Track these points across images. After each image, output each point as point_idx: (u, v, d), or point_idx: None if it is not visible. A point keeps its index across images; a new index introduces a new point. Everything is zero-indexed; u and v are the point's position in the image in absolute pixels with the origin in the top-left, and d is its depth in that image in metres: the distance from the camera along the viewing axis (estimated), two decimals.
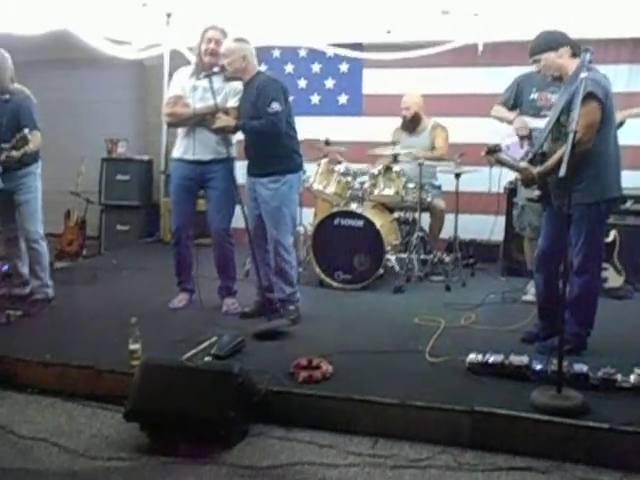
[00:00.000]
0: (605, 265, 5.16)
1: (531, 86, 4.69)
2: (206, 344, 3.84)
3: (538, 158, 3.73)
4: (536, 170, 3.64)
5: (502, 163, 3.80)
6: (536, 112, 4.65)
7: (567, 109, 3.50)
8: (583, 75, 3.19)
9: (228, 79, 4.43)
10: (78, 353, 3.71)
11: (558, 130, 3.62)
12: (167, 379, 3.10)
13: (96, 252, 7.32)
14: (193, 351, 3.74)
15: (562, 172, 2.89)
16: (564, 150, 3.08)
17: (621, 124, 4.66)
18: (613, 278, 5.19)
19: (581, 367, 3.30)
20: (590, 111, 3.47)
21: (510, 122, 4.76)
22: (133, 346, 3.56)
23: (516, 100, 4.78)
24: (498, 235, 5.94)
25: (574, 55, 3.64)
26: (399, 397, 3.15)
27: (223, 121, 4.32)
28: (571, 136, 2.97)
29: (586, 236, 3.64)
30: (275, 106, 4.17)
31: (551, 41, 3.69)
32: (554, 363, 3.18)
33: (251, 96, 4.28)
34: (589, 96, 3.43)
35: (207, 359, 3.61)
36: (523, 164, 3.71)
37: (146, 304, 4.75)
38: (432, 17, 5.69)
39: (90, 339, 4.01)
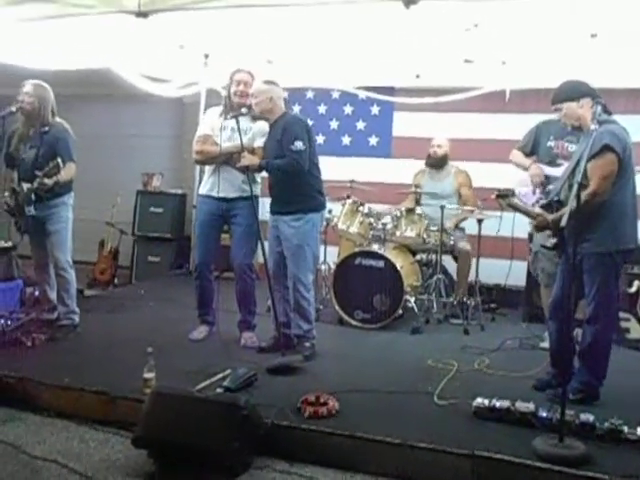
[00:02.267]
0: (627, 316, 5.14)
1: (549, 133, 4.73)
2: (219, 376, 3.92)
3: (554, 205, 3.78)
4: (551, 217, 3.68)
5: (514, 208, 3.85)
6: (552, 160, 4.69)
7: (581, 160, 3.55)
8: (593, 127, 3.25)
9: (255, 119, 4.59)
10: (96, 379, 3.83)
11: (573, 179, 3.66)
12: (176, 408, 3.19)
13: (127, 281, 7.52)
14: (206, 382, 3.83)
15: (563, 222, 2.94)
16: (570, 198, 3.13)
17: None
18: (635, 329, 5.14)
19: (587, 417, 3.28)
20: (607, 163, 3.52)
21: (526, 169, 4.80)
22: (147, 375, 3.66)
23: (534, 147, 4.83)
24: (521, 281, 5.95)
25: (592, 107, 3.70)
26: (402, 437, 3.17)
27: (248, 160, 4.46)
28: (575, 187, 3.02)
29: (599, 286, 3.66)
30: (299, 144, 4.30)
31: (573, 91, 3.76)
32: (560, 411, 3.18)
33: (276, 135, 4.42)
34: (606, 148, 3.49)
35: (218, 391, 3.69)
36: (538, 210, 3.76)
37: (167, 334, 4.88)
38: (459, 64, 5.79)
39: (109, 366, 4.14)
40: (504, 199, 3.75)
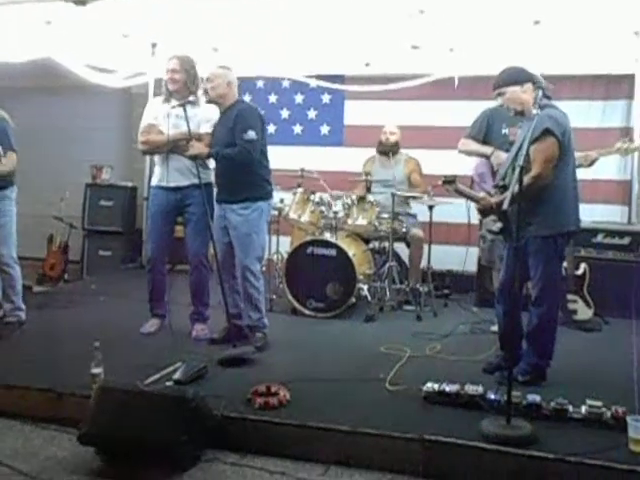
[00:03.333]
0: (575, 297, 5.24)
1: (501, 121, 4.74)
2: (170, 369, 3.87)
3: (500, 190, 3.81)
4: (494, 200, 3.72)
5: (460, 193, 3.87)
6: (509, 147, 4.71)
7: (523, 144, 3.58)
8: (535, 112, 3.28)
9: (209, 102, 4.51)
10: (42, 376, 3.75)
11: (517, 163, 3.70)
12: (122, 403, 3.14)
13: (78, 277, 7.38)
14: (156, 376, 3.78)
15: (505, 205, 2.97)
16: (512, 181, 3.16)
17: (593, 162, 4.75)
18: (582, 311, 5.24)
19: (534, 397, 3.34)
20: (548, 146, 3.57)
21: (485, 156, 4.80)
22: (95, 370, 3.59)
23: (486, 134, 4.83)
24: (473, 266, 6.01)
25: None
26: (353, 424, 3.18)
27: (196, 149, 4.40)
28: (517, 170, 3.05)
29: (543, 268, 3.71)
30: (251, 134, 4.26)
31: (517, 75, 3.79)
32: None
33: (228, 122, 4.36)
34: (546, 132, 3.54)
35: (168, 384, 3.65)
36: (481, 194, 3.80)
37: (118, 328, 4.80)
38: (408, 51, 5.81)
39: (56, 362, 4.04)
40: (450, 185, 3.77)
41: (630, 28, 5.13)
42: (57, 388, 3.58)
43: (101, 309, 5.62)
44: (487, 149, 4.79)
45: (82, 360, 3.75)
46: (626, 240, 5.67)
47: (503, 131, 4.76)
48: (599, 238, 5.65)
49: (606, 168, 6.35)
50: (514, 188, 3.07)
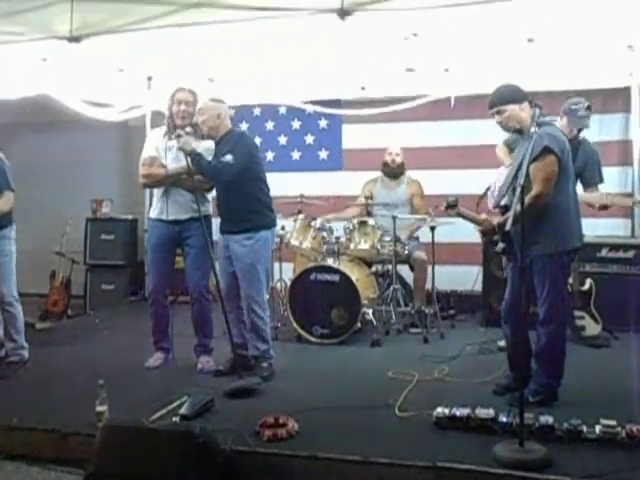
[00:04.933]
0: (582, 314, 5.19)
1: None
2: (176, 404, 3.82)
3: (500, 210, 3.79)
4: (496, 221, 3.69)
5: (462, 216, 3.86)
6: None
7: (523, 163, 3.56)
8: (533, 130, 3.27)
9: (202, 137, 4.51)
10: (46, 416, 3.69)
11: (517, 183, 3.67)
12: (128, 441, 3.08)
13: (81, 312, 7.35)
14: (162, 411, 3.73)
15: (508, 226, 2.94)
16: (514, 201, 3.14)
17: (603, 207, 4.81)
18: (590, 326, 5.19)
19: (547, 419, 3.29)
20: (547, 164, 3.56)
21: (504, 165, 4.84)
22: (100, 408, 3.54)
23: (516, 145, 4.87)
24: (478, 285, 5.97)
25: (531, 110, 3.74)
26: (363, 454, 3.12)
27: (182, 141, 4.30)
28: (518, 190, 3.03)
29: (549, 287, 3.67)
30: (228, 157, 4.24)
31: (515, 94, 3.78)
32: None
33: (221, 153, 4.35)
34: (546, 150, 3.53)
35: (175, 419, 3.59)
36: (484, 215, 3.77)
37: (122, 364, 4.76)
38: (402, 73, 5.82)
39: (61, 401, 4.00)
40: (453, 209, 3.76)
41: (623, 42, 5.12)
42: (62, 428, 3.53)
43: (105, 344, 5.58)
44: (506, 160, 4.85)
45: (87, 398, 3.69)
46: (630, 253, 5.65)
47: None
48: (603, 252, 5.62)
49: (607, 182, 6.31)
50: (516, 208, 3.04)
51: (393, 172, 6.12)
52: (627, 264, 5.62)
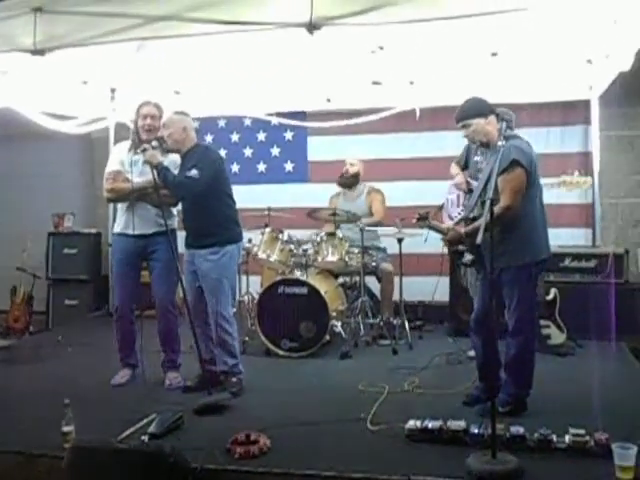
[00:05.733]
0: (547, 323, 5.26)
1: (477, 149, 4.81)
2: (144, 422, 3.74)
3: (469, 223, 3.83)
4: (462, 230, 3.73)
5: (433, 228, 3.89)
6: (476, 175, 4.78)
7: (491, 176, 3.61)
8: (500, 143, 3.32)
9: (167, 151, 4.46)
10: (10, 437, 3.58)
11: (485, 196, 3.71)
12: (97, 462, 3.01)
13: (43, 328, 7.20)
14: (130, 430, 3.64)
15: (479, 240, 2.97)
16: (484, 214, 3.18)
17: None
18: (555, 335, 5.26)
19: (517, 429, 3.31)
20: (515, 177, 3.60)
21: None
22: (66, 428, 3.44)
23: (466, 161, 4.93)
24: (445, 296, 6.01)
25: (498, 123, 3.79)
26: (338, 469, 3.09)
27: (149, 154, 4.25)
28: (488, 203, 3.06)
29: (519, 298, 3.72)
30: (193, 172, 4.21)
31: (481, 107, 3.83)
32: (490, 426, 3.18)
33: (188, 167, 4.30)
34: (514, 163, 3.58)
35: (144, 438, 3.52)
36: (447, 225, 3.82)
37: (87, 381, 4.65)
38: (368, 86, 5.86)
39: (25, 422, 3.87)
40: (424, 221, 3.79)
41: (583, 56, 5.25)
42: (27, 450, 3.42)
43: (69, 361, 5.45)
44: (455, 171, 4.90)
45: (52, 418, 3.59)
46: (592, 263, 5.77)
47: (476, 158, 4.81)
48: (566, 262, 5.74)
49: (569, 193, 6.46)
50: (486, 220, 3.07)
51: (347, 182, 6.14)
52: (589, 273, 5.74)
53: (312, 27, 3.31)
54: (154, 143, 4.30)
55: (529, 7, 3.40)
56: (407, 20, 3.48)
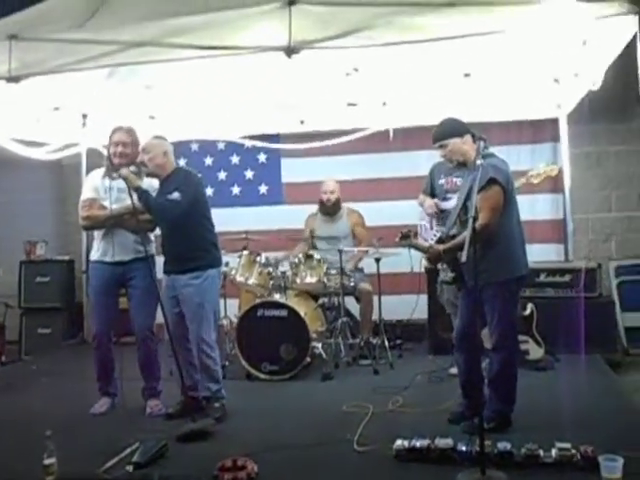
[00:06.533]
0: (525, 338, 5.30)
1: (440, 172, 4.93)
2: (127, 451, 3.67)
3: (447, 241, 3.86)
4: (441, 247, 3.77)
5: (414, 247, 3.92)
6: (444, 195, 4.87)
7: (471, 194, 3.65)
8: (479, 162, 3.37)
9: (147, 175, 4.42)
10: None
11: (465, 214, 3.74)
12: None
13: (16, 358, 7.04)
14: (114, 460, 3.57)
15: (463, 258, 3.01)
16: (466, 232, 3.21)
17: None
18: (534, 350, 5.31)
19: (505, 445, 3.32)
20: (492, 195, 3.66)
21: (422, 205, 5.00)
22: (48, 461, 3.35)
23: (432, 188, 5.03)
24: (423, 314, 6.04)
25: (474, 142, 3.85)
26: None
27: (131, 177, 4.22)
28: (470, 221, 3.10)
29: (500, 314, 3.76)
30: (175, 195, 4.19)
31: (456, 128, 3.89)
32: (478, 443, 3.19)
33: (168, 191, 4.28)
34: (491, 181, 3.63)
35: (128, 468, 3.45)
36: (428, 243, 3.86)
37: (65, 412, 4.55)
38: (342, 107, 5.92)
39: (3, 455, 3.78)
40: (406, 239, 3.82)
41: (551, 76, 5.37)
42: None
43: (44, 392, 5.33)
44: (422, 199, 5.01)
45: (31, 450, 3.52)
46: (567, 277, 5.86)
47: (440, 181, 4.94)
48: (542, 277, 5.82)
49: (540, 208, 6.60)
50: (470, 237, 3.10)
51: (330, 211, 6.16)
52: (564, 287, 5.83)
53: (291, 51, 3.34)
54: (132, 168, 4.28)
55: (506, 30, 3.46)
56: (383, 43, 3.53)
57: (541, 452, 3.27)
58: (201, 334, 4.29)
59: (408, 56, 4.32)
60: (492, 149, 3.98)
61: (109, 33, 3.59)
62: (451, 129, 3.86)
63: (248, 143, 7.16)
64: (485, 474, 3.05)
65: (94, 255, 4.63)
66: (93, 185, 4.56)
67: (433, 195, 5.00)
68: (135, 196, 4.20)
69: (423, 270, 5.74)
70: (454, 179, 4.75)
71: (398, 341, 6.20)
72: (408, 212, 5.95)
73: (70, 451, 3.54)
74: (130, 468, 3.45)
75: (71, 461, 3.42)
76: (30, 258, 7.39)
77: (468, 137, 3.84)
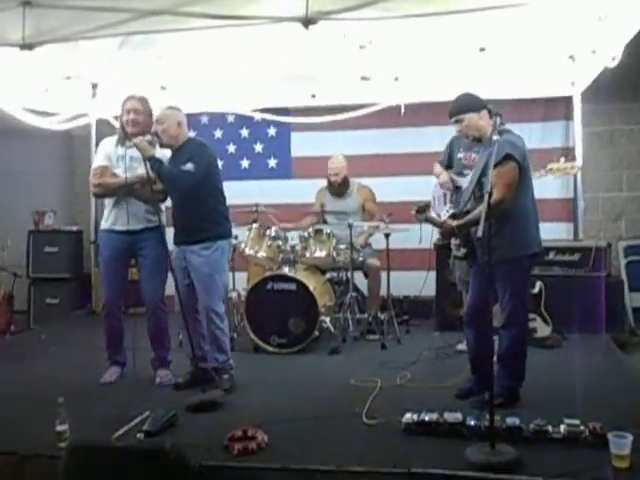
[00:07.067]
0: (533, 316, 5.31)
1: (459, 146, 4.82)
2: (138, 420, 3.70)
3: (461, 217, 3.85)
4: (455, 223, 3.76)
5: (429, 221, 3.91)
6: (460, 171, 4.81)
7: (486, 170, 3.63)
8: (495, 137, 3.35)
9: (161, 146, 4.40)
10: (1, 437, 3.53)
11: (479, 190, 3.74)
12: (95, 462, 2.97)
13: (25, 327, 7.09)
14: (125, 428, 3.60)
15: (479, 233, 3.00)
16: (482, 208, 3.20)
17: None
18: (541, 328, 5.32)
19: (514, 420, 3.34)
20: (508, 171, 3.63)
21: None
22: (60, 427, 3.39)
23: (449, 159, 4.95)
24: (431, 290, 6.05)
25: (491, 118, 3.82)
26: (337, 463, 3.10)
27: (143, 145, 4.18)
28: (486, 197, 3.09)
29: (511, 291, 3.75)
30: (189, 166, 4.18)
31: (473, 102, 3.86)
32: (487, 418, 3.21)
33: (181, 161, 4.27)
34: (507, 157, 3.61)
35: (139, 436, 3.48)
36: (443, 218, 3.84)
37: (75, 381, 4.58)
38: (354, 82, 5.87)
39: (14, 423, 3.80)
40: (422, 214, 3.81)
41: (566, 52, 5.32)
42: (20, 450, 3.37)
43: (55, 360, 5.37)
44: (438, 170, 4.92)
45: (43, 417, 3.55)
46: (576, 256, 5.85)
47: (459, 155, 4.85)
48: (551, 256, 5.80)
49: (550, 187, 6.55)
50: (485, 213, 3.09)
51: (339, 190, 6.14)
52: (573, 267, 5.82)
53: (307, 22, 3.31)
54: (147, 137, 4.25)
55: (527, 2, 3.41)
56: (401, 15, 3.49)
57: (550, 428, 3.28)
58: (210, 304, 4.31)
59: (423, 29, 4.27)
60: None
61: (124, 0, 3.55)
62: (467, 104, 3.83)
63: (258, 116, 7.12)
64: (495, 448, 3.06)
65: (104, 224, 4.62)
66: (105, 153, 4.54)
67: (449, 167, 4.92)
68: (148, 165, 4.19)
69: (432, 247, 5.77)
70: (473, 155, 4.68)
71: (405, 317, 6.22)
72: (418, 188, 5.91)
73: (81, 419, 3.56)
74: (141, 436, 3.48)
75: (82, 429, 3.43)
76: (39, 228, 7.40)
77: (484, 112, 3.81)
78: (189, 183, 4.20)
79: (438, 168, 4.99)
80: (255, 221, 5.75)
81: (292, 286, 5.32)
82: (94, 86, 6.27)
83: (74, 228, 7.47)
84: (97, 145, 4.93)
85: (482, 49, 4.73)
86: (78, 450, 3.04)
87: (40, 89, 5.88)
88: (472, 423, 3.36)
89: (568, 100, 6.42)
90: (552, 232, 6.36)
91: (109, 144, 4.59)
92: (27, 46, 3.64)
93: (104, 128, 6.61)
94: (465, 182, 4.05)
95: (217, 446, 3.31)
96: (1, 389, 4.49)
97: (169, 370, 4.62)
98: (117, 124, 4.89)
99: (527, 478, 2.91)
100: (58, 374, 4.84)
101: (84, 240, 7.42)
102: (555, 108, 6.60)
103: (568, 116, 6.51)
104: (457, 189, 4.75)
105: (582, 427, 3.26)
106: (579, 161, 6.35)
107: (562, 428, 3.27)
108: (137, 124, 4.41)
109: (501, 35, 4.64)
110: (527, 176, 3.76)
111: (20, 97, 5.91)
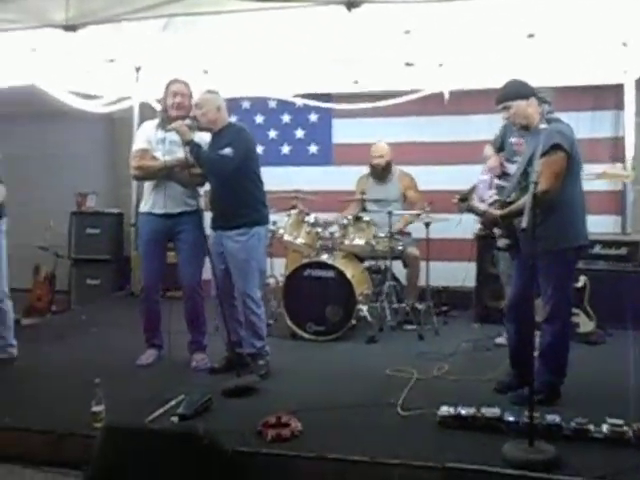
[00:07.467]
0: (576, 311, 5.17)
1: (513, 130, 4.73)
2: (173, 403, 3.72)
3: (505, 206, 3.75)
4: (498, 213, 3.66)
5: (471, 210, 3.82)
6: (510, 156, 4.72)
7: (533, 159, 3.53)
8: (542, 126, 3.24)
9: (199, 130, 4.39)
10: (39, 416, 3.59)
11: (525, 179, 3.64)
12: (129, 443, 2.99)
13: (66, 307, 7.21)
14: (160, 411, 3.63)
15: (524, 224, 2.91)
16: (527, 198, 3.10)
17: None
18: (585, 323, 5.18)
19: (554, 418, 3.26)
20: (556, 161, 3.52)
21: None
22: (96, 408, 3.44)
23: (502, 143, 4.88)
24: (470, 281, 5.95)
25: (539, 106, 3.71)
26: (371, 454, 3.06)
27: (182, 130, 4.19)
28: (532, 187, 2.99)
29: (555, 284, 3.65)
30: (227, 150, 4.16)
31: (522, 90, 3.75)
32: (526, 414, 3.13)
33: (220, 146, 4.25)
34: (556, 147, 3.50)
35: (173, 419, 3.51)
36: (484, 207, 3.75)
37: (113, 362, 4.63)
38: (398, 68, 5.77)
39: (53, 401, 3.87)
40: (464, 202, 3.72)
41: (619, 39, 5.13)
42: (57, 429, 3.42)
43: (94, 341, 5.44)
44: (489, 152, 4.87)
45: (80, 397, 3.60)
46: (623, 250, 5.67)
47: (511, 139, 4.78)
48: (597, 249, 5.63)
49: (598, 180, 6.36)
50: (530, 204, 3.00)
51: (381, 175, 6.06)
52: (620, 261, 5.64)
53: (351, 4, 3.23)
54: (187, 121, 4.25)
55: None
56: None
57: (591, 427, 3.20)
58: (246, 290, 4.30)
59: (470, 15, 4.16)
60: None
61: None
62: (516, 91, 3.71)
63: (299, 102, 7.07)
64: (533, 445, 2.98)
65: (144, 207, 4.64)
66: (146, 136, 4.55)
67: (501, 149, 4.84)
68: (187, 150, 4.18)
69: (474, 237, 5.67)
70: (522, 141, 4.59)
71: (444, 308, 6.13)
72: (461, 177, 5.79)
73: (117, 400, 3.59)
74: (175, 419, 3.51)
75: (118, 410, 3.48)
76: (81, 210, 7.50)
77: (533, 100, 3.69)
78: (227, 168, 4.18)
79: (489, 149, 4.90)
80: (294, 207, 5.71)
81: (330, 273, 5.28)
82: (137, 69, 6.27)
83: (115, 210, 7.53)
84: (139, 127, 4.95)
85: (531, 35, 4.59)
86: (113, 431, 3.07)
87: (85, 71, 5.91)
88: (510, 419, 3.29)
89: (619, 88, 6.20)
90: (599, 225, 6.18)
91: (149, 127, 4.60)
92: (71, 27, 3.64)
93: (146, 111, 6.64)
94: (513, 169, 3.95)
95: (250, 432, 3.31)
96: (41, 369, 4.58)
97: (205, 354, 4.63)
98: (159, 107, 4.89)
99: (566, 478, 2.83)
100: (97, 355, 4.90)
101: (125, 223, 7.48)
102: (605, 96, 6.39)
103: (618, 105, 6.30)
104: (505, 175, 4.65)
105: (626, 427, 3.17)
106: (629, 152, 6.17)
107: (604, 428, 3.18)
108: (182, 107, 4.41)
109: (550, 21, 4.49)
110: (576, 167, 3.64)
111: (64, 80, 5.96)
